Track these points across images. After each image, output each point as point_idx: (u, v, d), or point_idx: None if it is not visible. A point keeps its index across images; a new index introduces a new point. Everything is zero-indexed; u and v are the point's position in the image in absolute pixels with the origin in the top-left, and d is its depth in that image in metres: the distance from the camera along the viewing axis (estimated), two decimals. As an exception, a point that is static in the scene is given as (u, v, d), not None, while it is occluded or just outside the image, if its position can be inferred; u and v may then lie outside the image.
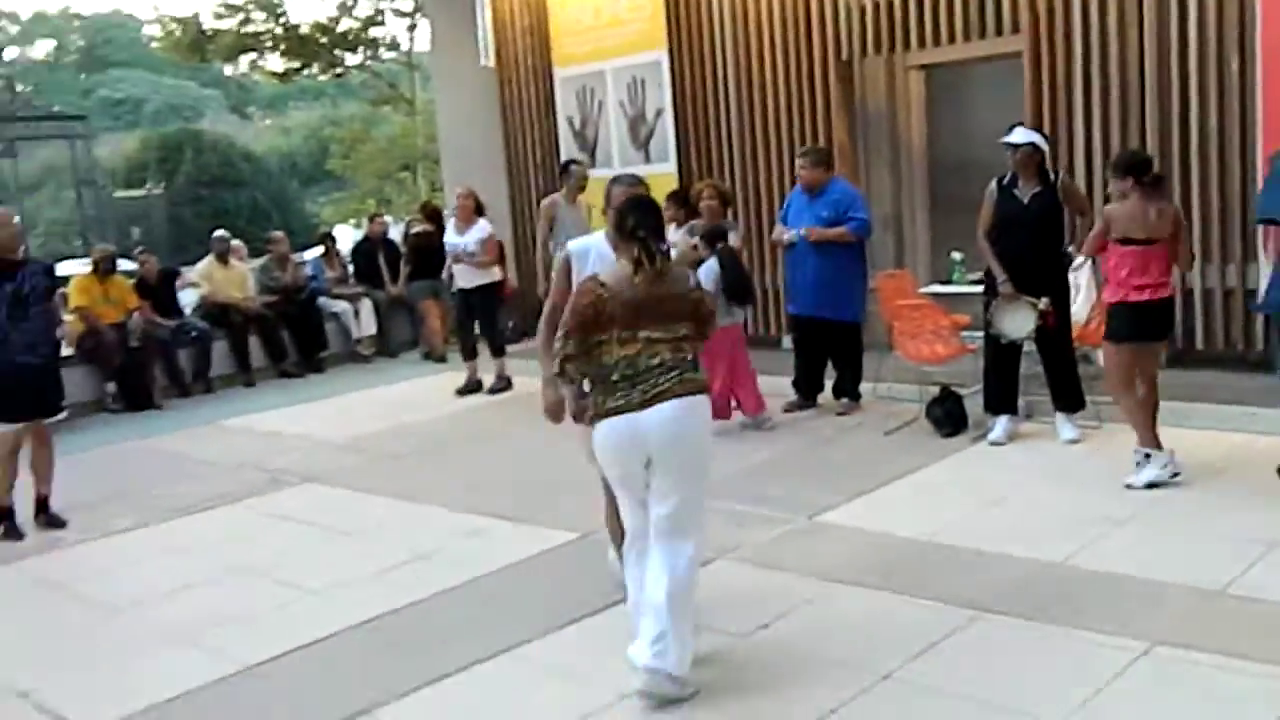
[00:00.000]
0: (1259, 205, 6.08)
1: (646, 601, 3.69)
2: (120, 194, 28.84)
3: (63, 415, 6.33)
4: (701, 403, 3.79)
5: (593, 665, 4.00)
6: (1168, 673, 3.62)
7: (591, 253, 4.22)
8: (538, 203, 10.79)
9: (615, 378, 3.68)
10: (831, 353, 7.52)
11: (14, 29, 51.17)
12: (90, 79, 48.82)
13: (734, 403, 7.16)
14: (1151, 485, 5.37)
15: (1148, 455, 5.42)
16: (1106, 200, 5.89)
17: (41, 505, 6.24)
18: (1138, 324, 5.48)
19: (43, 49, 51.54)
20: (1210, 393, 6.58)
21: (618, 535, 4.10)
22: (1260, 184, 6.57)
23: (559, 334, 3.77)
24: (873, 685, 3.68)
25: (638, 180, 4.55)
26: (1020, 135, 6.26)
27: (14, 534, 6.07)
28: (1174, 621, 3.94)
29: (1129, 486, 5.39)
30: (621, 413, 3.66)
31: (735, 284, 6.84)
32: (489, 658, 4.13)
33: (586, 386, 3.81)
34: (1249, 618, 3.94)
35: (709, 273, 6.65)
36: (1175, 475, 5.40)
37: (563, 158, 10.53)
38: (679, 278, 3.88)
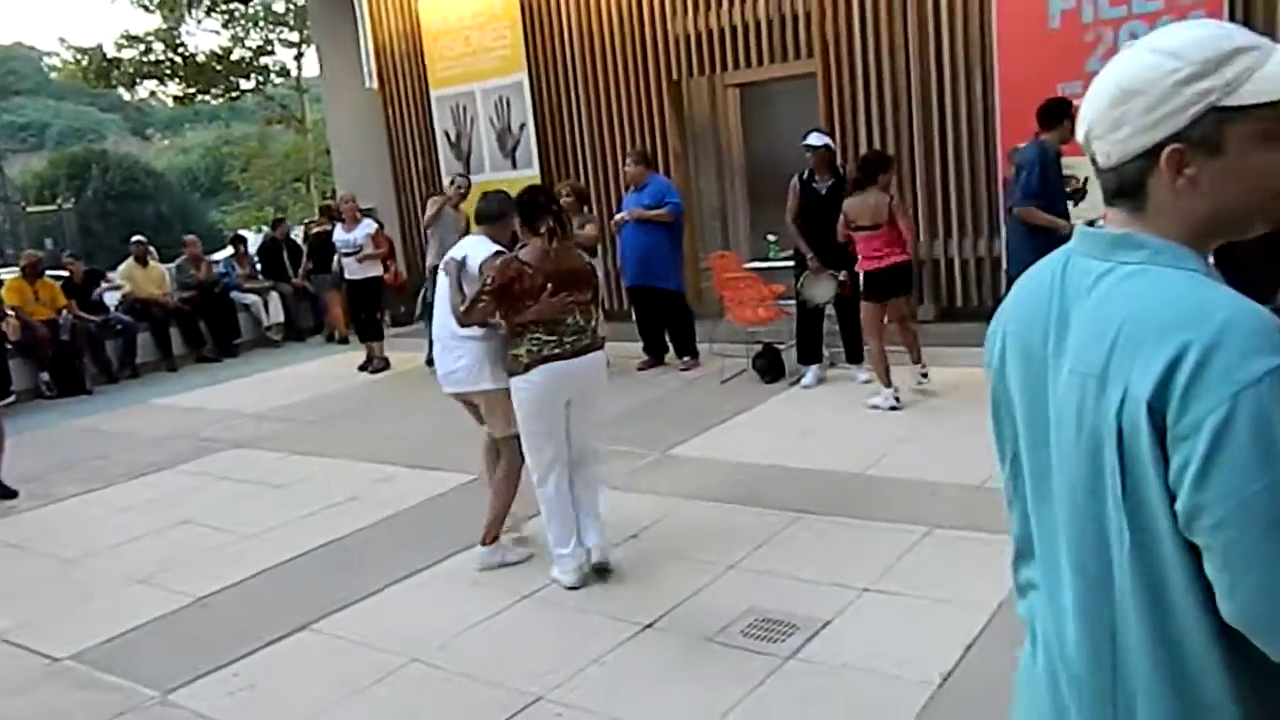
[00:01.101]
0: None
1: (585, 513, 4.04)
2: (33, 209, 26.90)
3: (10, 399, 6.03)
4: (603, 355, 4.10)
5: (495, 576, 4.13)
6: (945, 547, 3.96)
7: (469, 254, 4.13)
8: (421, 205, 10.67)
9: (540, 334, 3.85)
10: (664, 319, 7.69)
11: (-81, 60, 47.01)
12: (-7, 105, 45.24)
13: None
14: (891, 408, 5.91)
15: (887, 385, 5.99)
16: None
17: None
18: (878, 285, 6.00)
19: (-52, 78, 47.45)
20: (967, 339, 7.05)
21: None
22: (1003, 176, 7.08)
23: (474, 298, 3.94)
24: (723, 573, 3.92)
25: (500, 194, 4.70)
26: (817, 139, 6.55)
27: None
28: (948, 509, 4.28)
29: (872, 407, 5.96)
30: (558, 360, 3.85)
31: None
32: (410, 575, 4.21)
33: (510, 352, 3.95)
34: (1002, 503, 4.31)
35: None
36: (894, 407, 5.92)
37: (442, 166, 10.47)
38: (578, 254, 4.18)
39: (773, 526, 4.32)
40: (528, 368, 3.85)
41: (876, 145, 8.02)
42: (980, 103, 7.54)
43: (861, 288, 6.10)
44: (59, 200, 28.05)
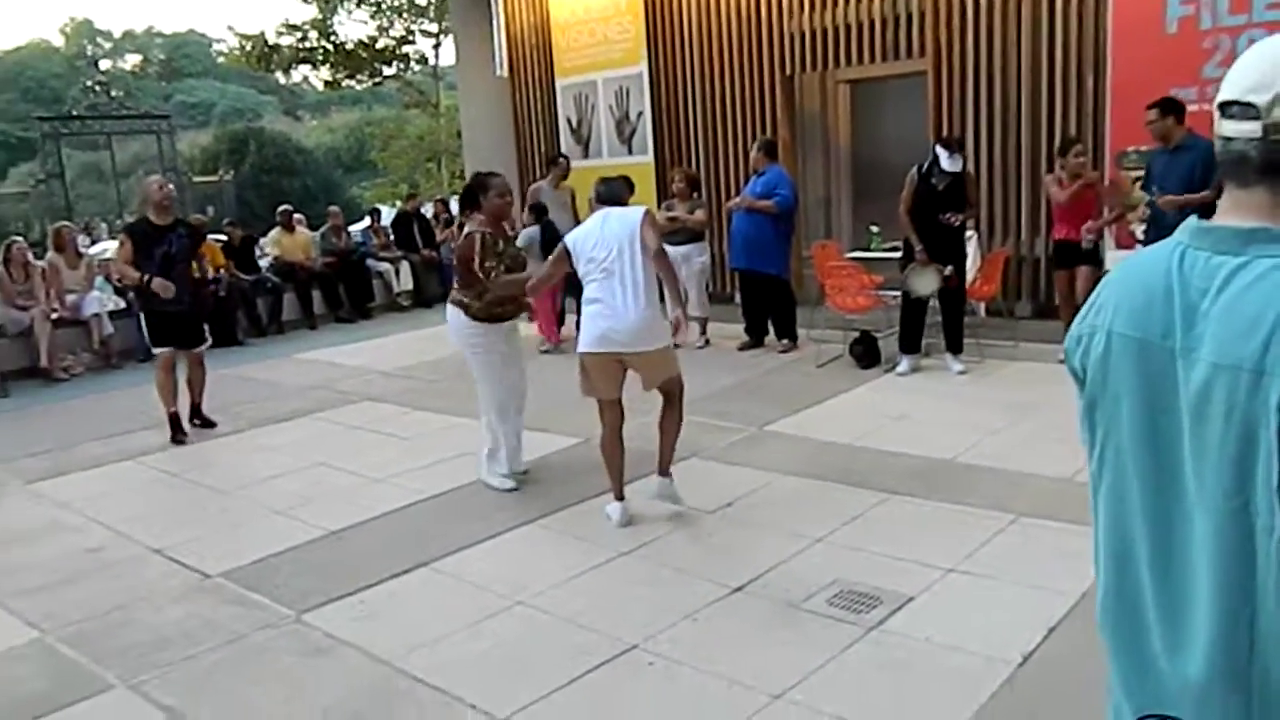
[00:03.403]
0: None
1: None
2: (197, 179, 28.24)
3: (207, 344, 6.33)
4: None
5: (597, 532, 4.18)
6: (1028, 535, 3.84)
7: (580, 239, 4.22)
8: (543, 186, 10.85)
9: None
10: (767, 303, 7.60)
11: (107, 45, 50.02)
12: (169, 86, 47.63)
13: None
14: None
15: None
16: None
17: (195, 411, 6.30)
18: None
19: (130, 61, 50.19)
20: (1061, 336, 6.78)
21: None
22: (1109, 178, 6.77)
23: None
24: (812, 545, 3.89)
25: (621, 178, 4.77)
26: (952, 164, 6.21)
27: (181, 436, 6.04)
28: (1033, 500, 4.15)
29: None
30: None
31: (551, 244, 6.84)
32: (520, 525, 4.31)
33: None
34: (1087, 497, 4.16)
35: (529, 237, 7.23)
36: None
37: (563, 151, 10.57)
38: None
39: (862, 504, 4.27)
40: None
41: (983, 144, 7.77)
42: (1090, 105, 7.21)
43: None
44: (220, 172, 29.43)
